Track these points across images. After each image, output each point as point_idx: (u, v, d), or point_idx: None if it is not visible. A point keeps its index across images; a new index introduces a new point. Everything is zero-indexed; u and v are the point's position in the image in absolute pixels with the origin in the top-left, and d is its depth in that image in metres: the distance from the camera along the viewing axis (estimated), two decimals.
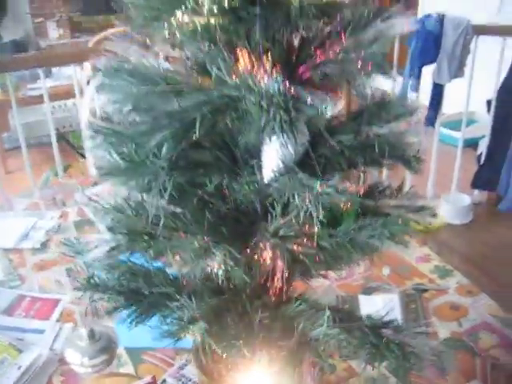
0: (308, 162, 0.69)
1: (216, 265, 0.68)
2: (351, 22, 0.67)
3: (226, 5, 0.58)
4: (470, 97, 3.43)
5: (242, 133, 0.72)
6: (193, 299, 0.79)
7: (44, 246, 1.68)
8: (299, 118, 0.59)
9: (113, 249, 0.77)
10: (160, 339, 0.80)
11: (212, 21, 0.59)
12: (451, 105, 3.67)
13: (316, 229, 0.67)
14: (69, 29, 5.68)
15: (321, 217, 0.63)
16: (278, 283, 0.72)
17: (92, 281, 0.86)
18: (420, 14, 5.27)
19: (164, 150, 0.69)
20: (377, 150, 0.69)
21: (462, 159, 3.67)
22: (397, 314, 1.37)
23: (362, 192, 0.64)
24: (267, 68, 0.61)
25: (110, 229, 0.76)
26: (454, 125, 4.48)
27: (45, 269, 1.57)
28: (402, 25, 0.62)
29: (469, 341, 1.32)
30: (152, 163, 0.71)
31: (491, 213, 3.66)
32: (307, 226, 0.70)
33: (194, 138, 0.68)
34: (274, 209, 0.72)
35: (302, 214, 0.65)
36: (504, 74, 3.35)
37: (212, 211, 0.76)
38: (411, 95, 3.39)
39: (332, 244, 0.77)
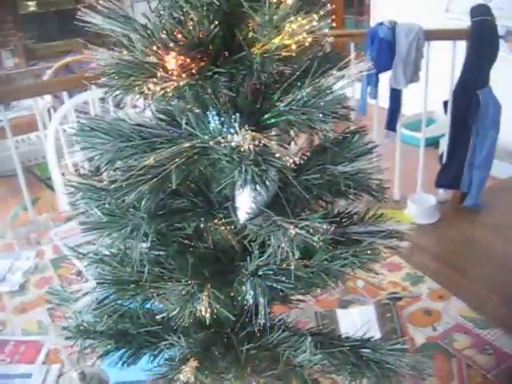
0: (279, 202, 0.73)
1: (203, 308, 0.72)
2: (311, 70, 0.71)
3: (194, 70, 0.62)
4: (427, 99, 3.54)
5: (214, 178, 0.77)
6: (181, 337, 0.83)
7: (22, 287, 1.69)
8: (269, 169, 0.64)
9: (102, 300, 0.80)
10: (152, 381, 0.84)
11: (181, 83, 0.63)
12: (410, 106, 3.78)
13: (292, 264, 0.72)
14: (24, 57, 5.64)
15: (296, 256, 0.68)
16: (260, 318, 0.76)
17: (81, 327, 0.89)
18: (372, 19, 5.40)
19: (143, 202, 0.73)
20: (342, 186, 0.74)
21: (424, 159, 3.78)
22: (374, 325, 1.42)
23: (331, 230, 0.69)
24: (235, 122, 0.66)
25: (97, 280, 0.80)
26: (414, 125, 4.61)
27: (26, 311, 1.58)
28: (357, 71, 0.68)
29: (444, 344, 1.38)
30: (133, 215, 0.74)
31: (457, 210, 3.78)
32: (284, 263, 0.74)
33: (170, 188, 0.72)
34: (251, 247, 0.76)
35: (278, 253, 0.70)
36: (457, 75, 3.47)
37: (193, 253, 0.80)
38: (371, 102, 3.49)
39: (307, 273, 0.82)
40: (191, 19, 0.68)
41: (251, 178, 0.63)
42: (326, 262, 0.80)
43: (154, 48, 0.62)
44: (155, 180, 0.69)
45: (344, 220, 0.88)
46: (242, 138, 0.63)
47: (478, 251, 3.35)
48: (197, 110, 0.73)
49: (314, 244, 0.67)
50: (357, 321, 1.45)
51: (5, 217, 3.12)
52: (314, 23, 0.61)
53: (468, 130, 3.45)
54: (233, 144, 0.63)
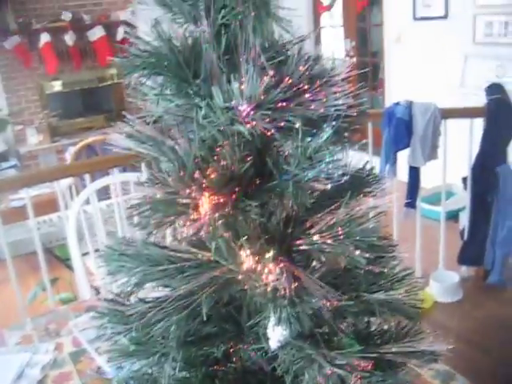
0: (312, 332, 0.71)
1: None
2: (342, 194, 0.70)
3: (228, 208, 0.62)
4: (446, 174, 3.52)
5: (245, 303, 0.75)
6: None
7: None
8: (305, 309, 0.62)
9: None
10: None
11: (213, 220, 0.63)
12: (428, 179, 3.77)
13: None
14: (48, 134, 5.78)
15: None
16: None
17: None
18: (386, 94, 5.49)
19: (172, 331, 0.71)
20: (378, 313, 0.72)
21: (445, 233, 3.72)
22: None
23: (369, 367, 0.66)
24: (269, 258, 0.64)
25: None
26: (433, 199, 4.58)
27: None
28: (389, 200, 0.66)
29: None
30: (161, 344, 0.72)
31: (480, 287, 3.68)
32: None
33: (200, 316, 0.70)
34: (284, 378, 0.73)
35: None
36: (475, 152, 3.47)
37: (222, 379, 0.77)
38: (389, 180, 3.48)
39: None
40: (221, 146, 0.69)
41: (286, 318, 0.61)
42: None
43: (188, 190, 0.62)
44: (185, 312, 0.67)
45: (376, 339, 0.85)
46: (278, 278, 0.61)
47: (505, 330, 3.24)
48: (226, 235, 0.72)
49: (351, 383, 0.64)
50: None
51: (24, 296, 3.10)
52: (349, 158, 0.61)
53: (489, 206, 3.41)
54: (268, 288, 0.61)
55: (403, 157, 3.47)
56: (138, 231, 0.70)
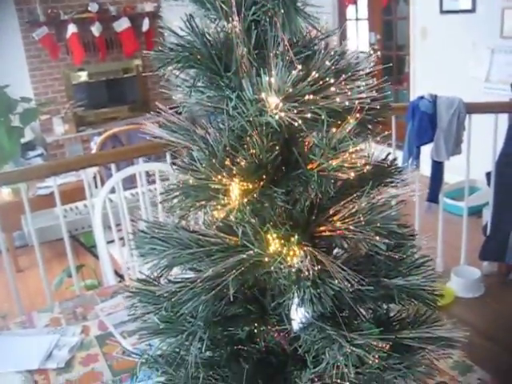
0: (334, 314, 0.74)
1: None
2: (364, 183, 0.74)
3: (256, 195, 0.65)
4: (469, 169, 3.51)
5: (269, 285, 0.79)
6: None
7: (68, 364, 1.71)
8: (327, 290, 0.65)
9: None
10: None
11: (241, 205, 0.66)
12: (452, 174, 3.75)
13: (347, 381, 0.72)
14: (74, 123, 5.87)
15: (352, 375, 0.68)
16: None
17: None
18: (412, 87, 5.46)
19: (200, 311, 0.75)
20: (396, 298, 0.75)
21: (467, 229, 3.71)
22: None
23: (387, 347, 0.69)
24: (293, 242, 0.68)
25: None
26: (456, 194, 4.56)
27: None
28: (411, 190, 0.69)
29: None
30: (189, 323, 0.76)
31: (503, 283, 3.67)
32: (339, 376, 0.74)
33: (226, 297, 0.74)
34: (305, 358, 0.77)
35: (333, 368, 0.70)
36: (499, 147, 3.45)
37: (246, 358, 0.81)
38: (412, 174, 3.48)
39: (359, 380, 0.81)
40: (250, 136, 0.72)
41: (309, 298, 0.65)
42: (378, 371, 0.79)
43: (219, 177, 0.66)
44: (213, 292, 0.71)
45: (395, 324, 0.88)
46: (302, 260, 0.64)
47: None
48: (253, 220, 0.76)
49: (370, 362, 0.67)
50: None
51: (50, 281, 3.18)
52: (372, 150, 0.64)
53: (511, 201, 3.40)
54: (293, 270, 0.65)
55: (427, 151, 3.46)
56: (169, 215, 0.74)
